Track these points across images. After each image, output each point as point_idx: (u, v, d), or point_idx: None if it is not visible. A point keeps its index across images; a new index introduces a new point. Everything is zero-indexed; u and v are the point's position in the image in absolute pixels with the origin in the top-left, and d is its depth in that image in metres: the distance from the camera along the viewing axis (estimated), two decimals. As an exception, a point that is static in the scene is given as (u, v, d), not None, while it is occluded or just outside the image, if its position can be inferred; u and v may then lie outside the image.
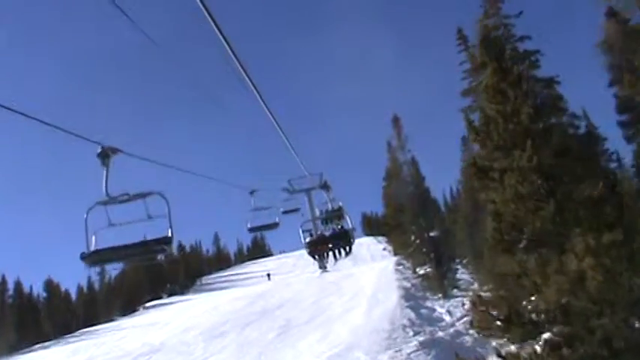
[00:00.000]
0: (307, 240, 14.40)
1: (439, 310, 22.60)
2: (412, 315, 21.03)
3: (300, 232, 16.19)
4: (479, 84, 19.83)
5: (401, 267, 34.68)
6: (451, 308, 22.79)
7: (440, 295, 24.99)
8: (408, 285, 27.38)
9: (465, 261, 28.82)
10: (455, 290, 25.50)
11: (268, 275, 63.25)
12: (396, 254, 51.65)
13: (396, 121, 29.31)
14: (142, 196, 5.93)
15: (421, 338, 17.51)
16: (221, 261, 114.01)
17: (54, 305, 56.59)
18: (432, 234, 26.32)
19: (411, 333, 18.34)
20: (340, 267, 54.30)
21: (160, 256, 6.37)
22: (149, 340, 25.39)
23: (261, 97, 5.59)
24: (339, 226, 15.01)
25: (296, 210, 19.18)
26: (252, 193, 14.86)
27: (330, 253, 15.81)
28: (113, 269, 75.03)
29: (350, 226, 14.74)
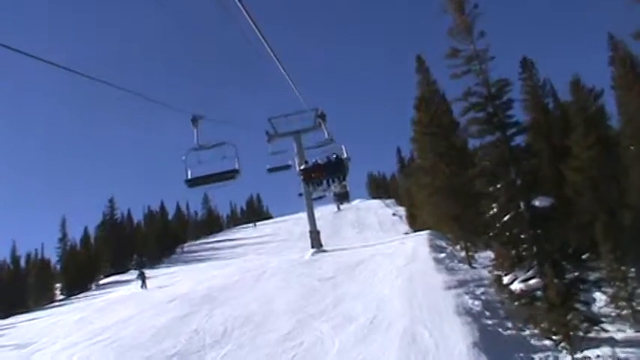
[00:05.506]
0: (302, 167, 15.26)
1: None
2: None
3: (296, 160, 20.12)
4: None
5: (444, 256, 20.48)
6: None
7: (559, 338, 11.09)
8: (477, 304, 13.42)
9: (587, 256, 14.68)
10: (592, 330, 11.52)
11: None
12: (416, 230, 37.28)
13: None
14: (220, 144, 11.61)
15: None
16: (211, 225, 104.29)
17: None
18: (535, 202, 12.16)
19: None
20: (341, 240, 40.07)
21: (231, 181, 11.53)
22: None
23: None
24: (334, 155, 15.01)
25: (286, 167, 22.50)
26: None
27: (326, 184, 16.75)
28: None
29: (345, 155, 14.72)
